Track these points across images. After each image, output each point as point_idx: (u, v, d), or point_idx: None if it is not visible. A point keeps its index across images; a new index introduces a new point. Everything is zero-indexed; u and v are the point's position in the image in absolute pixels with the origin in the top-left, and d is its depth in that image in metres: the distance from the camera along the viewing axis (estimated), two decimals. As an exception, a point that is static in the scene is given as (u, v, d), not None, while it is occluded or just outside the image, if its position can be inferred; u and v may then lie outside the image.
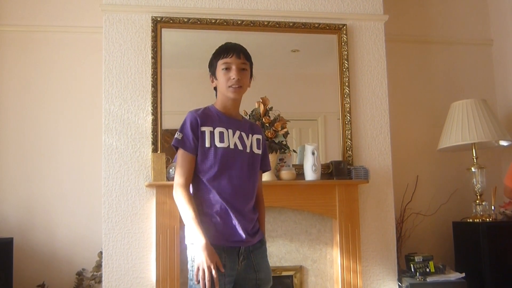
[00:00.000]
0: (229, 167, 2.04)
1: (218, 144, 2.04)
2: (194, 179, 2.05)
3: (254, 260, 2.08)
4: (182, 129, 2.05)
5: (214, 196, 2.01)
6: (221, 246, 1.97)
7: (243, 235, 2.02)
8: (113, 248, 3.20)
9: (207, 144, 2.04)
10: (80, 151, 3.72)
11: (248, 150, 2.12)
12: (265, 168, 2.25)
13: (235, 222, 2.01)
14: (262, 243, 2.15)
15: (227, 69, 2.06)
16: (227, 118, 2.12)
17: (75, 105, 3.76)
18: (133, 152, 3.30)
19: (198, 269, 1.89)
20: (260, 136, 2.20)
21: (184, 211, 1.97)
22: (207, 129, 2.05)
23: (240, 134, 2.11)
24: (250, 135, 2.16)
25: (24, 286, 3.46)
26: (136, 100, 3.36)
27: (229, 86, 2.06)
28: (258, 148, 2.17)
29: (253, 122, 2.33)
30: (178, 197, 2.00)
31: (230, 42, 2.15)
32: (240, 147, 2.09)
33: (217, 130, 2.06)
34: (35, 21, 3.79)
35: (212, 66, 2.13)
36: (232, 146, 2.07)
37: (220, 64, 2.08)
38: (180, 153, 2.05)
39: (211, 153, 2.03)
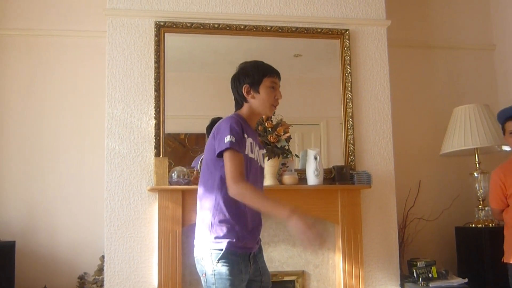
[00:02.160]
0: (254, 179, 2.14)
1: (250, 154, 2.10)
2: (223, 187, 2.04)
3: (259, 263, 2.19)
4: (231, 131, 2.02)
5: (240, 207, 2.05)
6: (238, 253, 2.03)
7: (254, 243, 2.13)
8: (115, 252, 3.20)
9: (246, 151, 2.08)
10: (83, 155, 3.72)
11: (260, 164, 2.22)
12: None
13: (252, 232, 2.10)
14: (261, 247, 2.26)
15: (273, 88, 2.17)
16: (252, 129, 2.20)
17: (78, 109, 3.77)
18: (135, 156, 3.31)
19: (304, 233, 1.88)
20: (264, 151, 2.33)
21: (258, 198, 1.97)
22: (246, 137, 2.09)
23: (258, 148, 2.21)
24: (259, 150, 2.25)
25: (26, 289, 3.47)
26: (139, 104, 3.36)
27: (272, 105, 2.17)
28: (263, 163, 2.28)
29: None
30: (247, 190, 1.97)
31: (266, 63, 2.23)
32: (259, 160, 2.20)
33: (249, 140, 2.11)
34: (38, 25, 3.80)
35: (255, 80, 2.16)
36: (256, 158, 2.16)
37: (268, 81, 2.17)
38: (235, 154, 2.01)
39: (246, 162, 2.07)
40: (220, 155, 2.04)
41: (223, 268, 1.99)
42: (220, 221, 2.03)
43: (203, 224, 2.08)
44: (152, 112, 3.36)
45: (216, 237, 2.02)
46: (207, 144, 2.15)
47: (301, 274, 3.39)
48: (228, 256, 2.00)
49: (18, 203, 3.62)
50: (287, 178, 3.32)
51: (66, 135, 3.73)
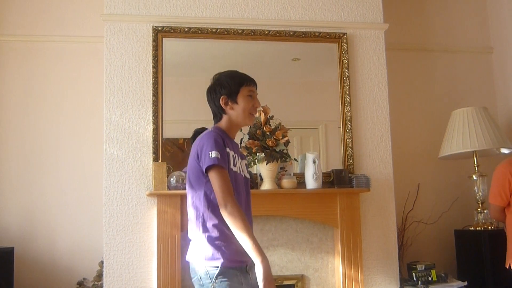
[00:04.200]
0: (241, 192, 2.11)
1: (233, 168, 2.08)
2: (211, 203, 2.02)
3: (254, 275, 2.11)
4: (214, 147, 1.99)
5: None
6: (235, 267, 2.01)
7: (247, 255, 2.06)
8: (114, 257, 3.20)
9: (230, 166, 2.05)
10: (81, 160, 3.72)
11: (243, 175, 2.19)
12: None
13: None
14: None
15: (251, 96, 2.14)
16: (232, 142, 2.17)
17: (76, 114, 3.77)
18: (134, 161, 3.31)
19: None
20: (246, 162, 2.29)
21: (243, 229, 1.94)
22: (229, 151, 2.07)
23: (240, 159, 2.18)
24: (241, 160, 2.21)
25: (24, 296, 3.46)
26: (137, 109, 3.36)
27: (251, 113, 2.14)
28: (248, 172, 2.25)
29: None
30: (235, 214, 1.94)
31: (241, 72, 2.20)
32: (242, 172, 2.17)
33: (231, 153, 2.08)
34: (36, 30, 3.81)
35: (232, 91, 2.12)
36: (239, 171, 2.13)
37: (246, 91, 2.13)
38: (221, 171, 1.98)
39: (230, 175, 2.03)
40: (206, 171, 2.00)
41: (222, 284, 1.97)
42: (211, 239, 2.00)
43: (196, 243, 2.06)
44: (150, 117, 3.36)
45: (210, 255, 1.99)
46: (189, 162, 2.10)
47: (301, 278, 3.39)
48: (225, 271, 1.98)
49: (17, 209, 3.61)
50: (286, 182, 3.32)
51: (65, 140, 3.73)
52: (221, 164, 1.98)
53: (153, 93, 3.37)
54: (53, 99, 3.77)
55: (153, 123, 3.34)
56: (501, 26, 4.38)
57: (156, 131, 3.34)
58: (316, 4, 3.67)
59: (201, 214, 2.04)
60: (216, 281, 1.97)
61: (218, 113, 2.17)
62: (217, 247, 2.00)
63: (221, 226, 2.01)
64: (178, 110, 3.45)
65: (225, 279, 1.98)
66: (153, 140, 3.32)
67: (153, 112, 3.35)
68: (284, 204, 3.30)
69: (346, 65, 3.63)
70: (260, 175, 3.33)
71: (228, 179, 1.99)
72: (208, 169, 1.99)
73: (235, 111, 2.13)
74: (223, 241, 2.01)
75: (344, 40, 3.66)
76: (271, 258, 3.37)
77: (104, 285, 3.18)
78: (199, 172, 2.04)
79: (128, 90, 3.37)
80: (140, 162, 3.31)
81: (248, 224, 1.97)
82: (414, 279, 3.45)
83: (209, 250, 2.00)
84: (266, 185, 3.25)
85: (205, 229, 2.03)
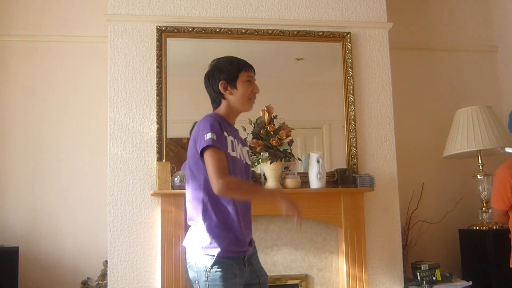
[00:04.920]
0: (240, 177, 2.09)
1: (231, 153, 2.06)
2: (210, 190, 2.00)
3: (254, 266, 2.15)
4: (211, 129, 1.98)
5: (228, 210, 2.02)
6: (231, 257, 2.01)
7: (247, 246, 2.09)
8: (118, 257, 3.20)
9: (228, 150, 2.04)
10: (85, 160, 3.73)
11: (244, 162, 2.17)
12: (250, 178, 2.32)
13: (244, 235, 2.05)
14: (255, 248, 2.22)
15: (250, 82, 2.14)
16: (231, 127, 2.16)
17: (80, 114, 3.78)
18: (138, 161, 3.31)
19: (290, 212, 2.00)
20: (248, 148, 2.29)
21: (246, 193, 1.99)
22: (227, 136, 2.06)
23: (240, 145, 2.17)
24: (242, 146, 2.21)
25: (29, 295, 3.47)
26: (141, 109, 3.37)
27: (250, 99, 2.13)
28: (249, 159, 2.24)
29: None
30: (231, 186, 1.93)
31: (239, 57, 2.20)
32: (242, 158, 2.15)
33: (229, 138, 2.07)
34: (40, 31, 3.82)
35: (231, 76, 2.12)
36: (238, 157, 2.11)
37: (245, 76, 2.13)
38: (216, 151, 1.96)
39: (228, 161, 2.02)
40: (202, 154, 1.99)
41: (216, 274, 1.96)
42: (210, 227, 2.00)
43: (194, 230, 2.06)
44: (154, 116, 3.36)
45: (207, 243, 1.99)
46: (188, 150, 2.10)
47: (305, 278, 3.38)
48: (221, 261, 1.97)
49: (21, 209, 3.62)
50: (290, 182, 3.32)
51: (69, 140, 3.74)
52: (216, 145, 1.96)
53: (157, 93, 3.37)
54: (57, 99, 3.78)
55: (157, 122, 3.35)
56: (506, 25, 4.36)
57: (160, 131, 3.34)
58: (319, 4, 3.67)
59: (201, 201, 2.03)
60: (211, 270, 1.97)
61: (216, 98, 2.16)
62: (215, 236, 1.99)
63: (221, 213, 2.01)
64: (181, 110, 3.45)
65: (220, 269, 1.97)
66: (157, 140, 3.33)
67: (157, 111, 3.36)
68: (288, 204, 3.29)
69: (350, 65, 3.62)
70: (264, 175, 3.33)
71: (222, 159, 1.96)
72: (203, 151, 1.97)
73: (234, 96, 2.12)
74: (221, 229, 2.00)
75: (348, 40, 3.65)
76: (275, 257, 3.37)
77: (108, 284, 3.19)
78: (198, 158, 2.02)
79: (132, 90, 3.38)
80: (144, 161, 3.31)
81: (247, 185, 2.01)
82: (419, 278, 3.44)
83: (206, 238, 1.99)
84: (270, 185, 3.25)
85: (204, 216, 2.02)
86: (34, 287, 3.50)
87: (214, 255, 1.97)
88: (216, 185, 1.91)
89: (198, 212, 2.04)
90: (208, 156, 1.96)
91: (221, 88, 2.12)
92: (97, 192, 3.64)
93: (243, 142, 2.24)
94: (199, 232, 2.03)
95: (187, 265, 2.07)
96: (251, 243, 2.16)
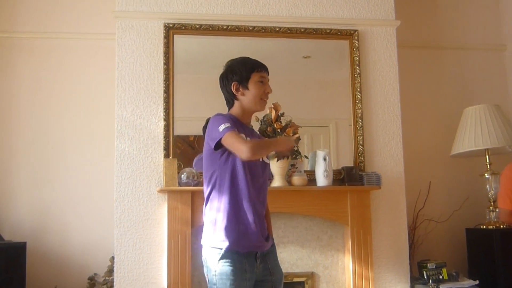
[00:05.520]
0: (255, 176, 2.11)
1: None
2: (224, 186, 2.04)
3: (269, 263, 2.15)
4: (224, 121, 2.02)
5: (241, 205, 2.04)
6: (242, 252, 2.02)
7: (261, 242, 2.09)
8: (125, 253, 3.22)
9: None
10: (93, 156, 3.74)
11: (261, 159, 2.17)
12: (270, 176, 2.29)
13: (257, 228, 2.06)
14: (274, 246, 2.23)
15: (262, 82, 2.16)
16: (245, 126, 2.18)
17: (87, 111, 3.79)
18: (145, 158, 3.32)
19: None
20: None
21: (265, 148, 2.05)
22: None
23: None
24: None
25: (36, 290, 3.49)
26: (148, 106, 3.38)
27: (262, 99, 2.16)
28: (267, 157, 2.24)
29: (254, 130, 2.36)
30: (254, 150, 1.95)
31: (252, 58, 2.23)
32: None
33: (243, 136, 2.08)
34: (47, 27, 3.83)
35: (243, 77, 2.15)
36: None
37: (257, 76, 2.15)
38: (233, 132, 1.98)
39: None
40: (219, 146, 2.02)
41: (224, 268, 1.98)
42: (222, 220, 2.02)
43: (207, 224, 2.09)
44: (161, 113, 3.37)
45: (218, 237, 2.01)
46: (203, 149, 2.14)
47: (311, 276, 3.38)
48: (230, 256, 1.99)
49: (29, 205, 3.64)
50: (296, 179, 3.31)
51: (76, 137, 3.75)
52: (233, 129, 1.99)
53: (164, 90, 3.38)
54: (64, 96, 3.79)
55: (164, 119, 3.35)
56: (514, 23, 4.33)
57: (167, 128, 3.35)
58: (327, 1, 3.66)
59: (209, 196, 2.08)
60: (219, 263, 1.99)
61: (230, 99, 2.20)
62: (222, 230, 2.01)
63: (229, 208, 2.03)
64: (189, 107, 3.46)
65: (228, 263, 1.98)
66: (164, 137, 3.33)
67: (164, 108, 3.36)
68: (295, 201, 3.29)
69: (357, 62, 3.61)
70: (271, 172, 3.33)
71: (240, 136, 1.99)
72: (220, 142, 2.00)
73: (246, 97, 2.15)
74: (229, 223, 2.02)
75: (356, 37, 3.64)
76: (281, 255, 3.36)
77: (114, 280, 3.20)
78: (211, 153, 2.06)
79: (139, 86, 3.39)
80: (151, 158, 3.32)
81: (263, 142, 2.15)
82: (425, 277, 3.43)
83: (215, 232, 2.02)
84: (277, 182, 3.25)
85: (212, 211, 2.06)
86: (42, 282, 3.52)
87: (222, 248, 1.99)
88: (241, 153, 1.95)
89: (212, 206, 2.07)
90: (226, 139, 1.98)
91: (233, 89, 2.16)
92: (104, 189, 3.65)
93: (260, 138, 2.29)
94: (208, 227, 2.06)
95: (202, 260, 2.10)
96: (268, 239, 2.16)
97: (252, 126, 2.28)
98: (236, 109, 2.19)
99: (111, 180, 3.37)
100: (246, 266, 2.02)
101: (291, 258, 3.39)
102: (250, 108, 2.18)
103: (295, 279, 3.36)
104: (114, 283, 3.20)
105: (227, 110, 2.24)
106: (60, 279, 3.56)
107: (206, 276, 2.06)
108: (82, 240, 3.64)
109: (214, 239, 2.02)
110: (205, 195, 2.12)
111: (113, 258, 3.34)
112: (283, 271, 3.31)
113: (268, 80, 2.21)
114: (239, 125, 2.13)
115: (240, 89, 2.15)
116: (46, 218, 3.64)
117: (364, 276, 3.30)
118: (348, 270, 3.36)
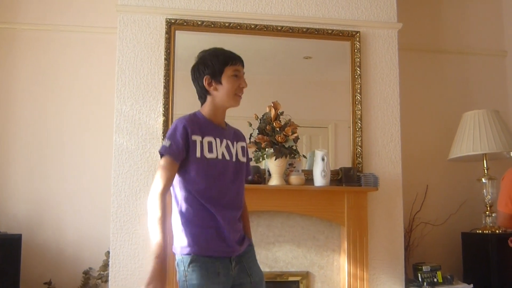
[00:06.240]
0: (218, 179, 1.98)
1: (207, 155, 1.96)
2: (183, 190, 1.95)
3: (246, 264, 2.04)
4: (171, 136, 1.94)
5: (205, 209, 1.94)
6: (214, 256, 1.93)
7: (233, 246, 1.98)
8: (121, 248, 3.21)
9: (198, 155, 1.95)
10: (91, 150, 3.73)
11: (234, 159, 2.06)
12: (247, 175, 2.18)
13: (226, 233, 1.96)
14: (251, 246, 2.11)
15: (237, 76, 2.02)
16: (214, 126, 2.05)
17: (86, 105, 3.78)
18: (143, 153, 3.32)
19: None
20: (244, 144, 2.16)
21: (153, 224, 1.88)
22: (197, 139, 1.96)
23: (227, 143, 2.05)
24: (235, 143, 2.10)
25: (31, 283, 3.48)
26: (148, 101, 3.37)
27: (236, 94, 2.02)
28: (243, 155, 2.13)
29: (236, 128, 2.21)
30: (153, 203, 1.89)
31: (226, 50, 2.09)
32: (227, 157, 2.03)
33: (206, 140, 1.98)
34: (49, 20, 3.82)
35: (216, 71, 2.01)
36: (220, 157, 2.00)
37: (231, 70, 2.01)
38: (167, 160, 1.92)
39: (201, 164, 1.95)
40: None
41: (194, 273, 1.89)
42: (187, 226, 1.93)
43: (174, 230, 1.99)
44: (160, 109, 3.36)
45: (185, 241, 1.92)
46: None
47: (306, 275, 3.38)
48: (199, 259, 1.90)
49: (25, 197, 3.64)
50: (294, 179, 3.31)
51: (74, 130, 3.75)
52: (167, 153, 1.92)
53: (164, 85, 3.38)
54: (63, 89, 3.78)
55: (163, 115, 3.35)
56: (515, 30, 4.34)
57: (166, 124, 3.34)
58: (330, 2, 3.66)
59: (178, 201, 1.98)
60: (188, 269, 1.90)
61: (202, 94, 2.06)
62: (191, 234, 1.92)
63: (197, 212, 1.94)
64: (188, 103, 3.40)
65: (198, 267, 1.89)
66: (162, 132, 3.33)
67: (163, 104, 3.36)
68: (292, 201, 3.29)
69: (358, 64, 3.62)
70: (269, 171, 3.33)
71: (167, 169, 1.91)
72: (161, 157, 1.96)
73: (219, 92, 2.01)
74: (198, 227, 1.93)
75: (357, 39, 3.64)
76: (276, 254, 3.37)
77: (109, 275, 3.20)
78: None
79: (139, 81, 3.38)
80: (149, 153, 3.32)
81: (159, 220, 1.86)
82: (420, 280, 3.44)
83: (183, 237, 1.93)
84: (274, 181, 3.25)
85: (181, 216, 1.95)
86: (36, 276, 3.51)
87: (191, 254, 1.91)
88: (152, 189, 1.91)
89: (177, 210, 1.97)
90: (159, 165, 1.94)
91: (205, 83, 2.02)
92: (101, 183, 3.64)
93: (236, 138, 2.13)
94: (177, 232, 1.96)
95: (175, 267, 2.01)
96: (242, 241, 2.05)
97: (226, 124, 2.13)
98: (207, 107, 2.05)
99: (108, 175, 3.37)
100: (219, 269, 1.92)
101: (286, 257, 3.39)
102: (224, 104, 2.04)
103: (290, 278, 3.36)
104: (109, 278, 3.20)
105: (200, 105, 2.10)
106: (55, 273, 3.55)
107: (178, 282, 1.95)
108: (78, 234, 3.64)
109: (182, 244, 1.93)
110: (174, 199, 2.02)
111: (108, 252, 3.34)
112: (279, 269, 3.34)
113: (243, 73, 2.06)
114: (205, 125, 2.01)
115: (213, 84, 2.01)
116: (42, 211, 3.63)
117: (359, 277, 3.30)
118: (344, 270, 3.36)
